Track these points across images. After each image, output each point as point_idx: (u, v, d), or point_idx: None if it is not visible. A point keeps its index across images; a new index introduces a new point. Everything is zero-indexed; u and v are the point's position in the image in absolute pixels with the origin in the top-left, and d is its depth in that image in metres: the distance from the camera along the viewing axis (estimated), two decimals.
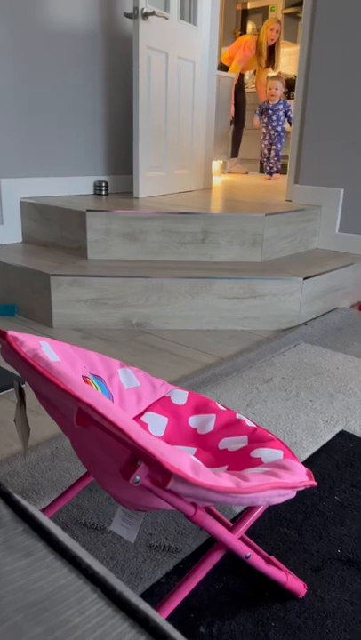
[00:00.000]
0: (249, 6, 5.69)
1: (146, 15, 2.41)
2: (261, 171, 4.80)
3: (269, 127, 4.36)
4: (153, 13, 2.43)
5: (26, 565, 0.33)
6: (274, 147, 4.37)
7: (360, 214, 2.48)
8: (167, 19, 2.59)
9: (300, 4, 5.05)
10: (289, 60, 5.42)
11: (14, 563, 0.33)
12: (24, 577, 0.32)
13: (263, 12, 5.59)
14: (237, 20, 5.82)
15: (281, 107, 4.31)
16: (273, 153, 4.39)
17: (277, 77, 4.34)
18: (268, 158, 4.46)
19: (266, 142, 4.42)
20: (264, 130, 4.40)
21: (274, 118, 4.35)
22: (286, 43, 5.57)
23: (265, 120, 4.36)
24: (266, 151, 4.46)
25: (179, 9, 2.69)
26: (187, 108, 2.94)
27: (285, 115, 4.30)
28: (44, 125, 2.53)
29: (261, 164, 4.68)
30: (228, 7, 5.69)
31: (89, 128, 2.75)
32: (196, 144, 3.11)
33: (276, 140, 4.36)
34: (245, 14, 5.74)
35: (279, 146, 4.38)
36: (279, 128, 4.36)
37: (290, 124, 4.20)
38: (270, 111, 4.33)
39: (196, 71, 2.97)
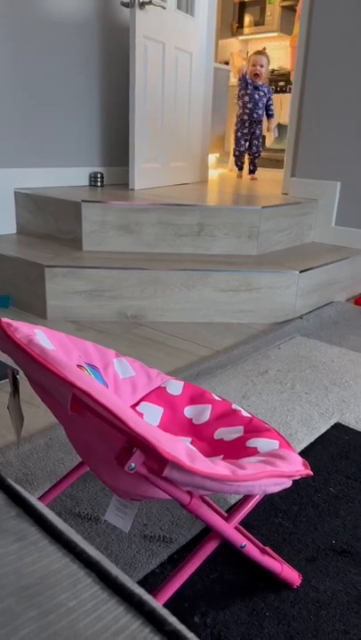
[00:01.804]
0: None
1: (143, 4, 2.38)
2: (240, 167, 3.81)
3: (247, 110, 3.53)
4: (150, 2, 2.41)
5: (19, 549, 0.32)
6: (255, 140, 3.62)
7: (357, 208, 2.48)
8: (164, 8, 2.56)
9: None
10: (286, 54, 5.38)
11: (7, 546, 0.33)
12: (17, 560, 0.32)
13: (261, 4, 5.55)
14: (235, 13, 5.78)
15: (265, 89, 3.53)
16: (254, 148, 3.64)
17: (262, 53, 3.53)
18: (243, 152, 3.67)
19: (245, 130, 3.59)
20: (240, 112, 3.56)
21: (256, 97, 3.51)
22: (284, 35, 5.54)
23: (245, 99, 3.52)
24: (243, 142, 3.62)
25: None
26: (183, 100, 2.92)
27: (266, 104, 3.53)
28: (39, 116, 2.50)
29: (237, 157, 3.72)
30: None
31: (84, 119, 2.72)
32: (193, 136, 3.09)
33: (256, 130, 3.60)
34: (243, 6, 5.70)
35: (259, 137, 3.64)
36: (259, 113, 3.55)
37: (268, 116, 3.55)
38: (254, 90, 3.51)
39: (194, 62, 2.94)
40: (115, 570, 0.33)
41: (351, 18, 2.31)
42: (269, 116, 3.58)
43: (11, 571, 0.31)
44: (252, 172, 3.71)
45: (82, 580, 0.31)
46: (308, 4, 2.44)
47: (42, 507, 0.37)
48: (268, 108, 3.56)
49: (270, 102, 3.56)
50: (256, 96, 3.51)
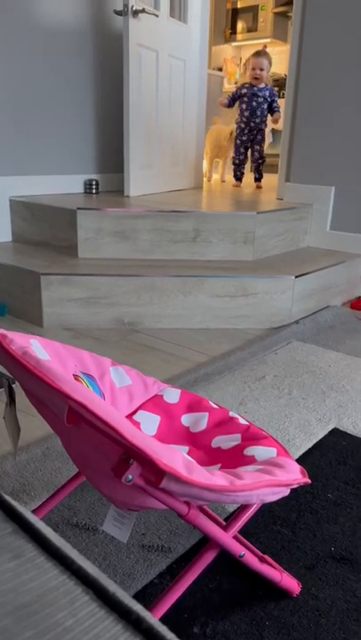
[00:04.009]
0: (239, 5, 5.69)
1: (136, 12, 2.39)
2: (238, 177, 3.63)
3: (244, 117, 3.36)
4: (143, 11, 2.42)
5: (16, 567, 0.32)
6: (257, 146, 3.42)
7: (351, 212, 2.49)
8: (157, 16, 2.58)
9: (290, 3, 5.06)
10: (280, 60, 5.42)
11: (4, 564, 0.32)
12: (14, 578, 0.31)
13: (253, 11, 5.59)
14: (228, 19, 5.82)
15: (267, 93, 3.30)
16: (256, 154, 3.45)
17: (263, 54, 3.28)
18: (243, 160, 3.50)
19: (244, 138, 3.42)
20: (238, 119, 3.41)
21: (254, 104, 3.31)
22: (277, 42, 5.58)
23: (242, 106, 3.35)
24: (242, 149, 3.46)
25: (169, 7, 2.68)
26: (177, 107, 2.93)
27: (270, 105, 3.33)
28: (33, 124, 2.51)
29: (236, 165, 3.56)
30: (218, 6, 5.69)
31: (79, 126, 2.73)
32: (187, 143, 3.10)
33: (257, 136, 3.41)
34: (236, 13, 5.74)
35: (261, 142, 3.42)
36: (257, 122, 3.35)
37: (272, 113, 3.34)
38: (251, 97, 3.29)
39: (187, 69, 2.96)
40: (112, 586, 0.32)
41: (344, 24, 2.32)
42: (274, 112, 3.34)
43: (7, 589, 0.31)
44: (257, 179, 3.50)
45: (79, 598, 0.31)
46: (301, 11, 2.46)
47: (38, 522, 0.37)
48: (273, 109, 3.32)
49: (275, 104, 3.32)
50: (254, 103, 3.30)
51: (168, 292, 1.97)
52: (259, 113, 3.32)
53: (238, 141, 3.44)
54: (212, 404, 0.93)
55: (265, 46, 3.54)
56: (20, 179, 2.50)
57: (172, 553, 0.89)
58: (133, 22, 2.40)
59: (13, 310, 2.06)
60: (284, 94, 2.97)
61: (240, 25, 5.75)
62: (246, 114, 3.34)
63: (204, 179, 3.92)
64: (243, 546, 0.74)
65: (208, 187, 3.48)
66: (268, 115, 3.39)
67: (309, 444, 1.23)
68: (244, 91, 3.32)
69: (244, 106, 3.35)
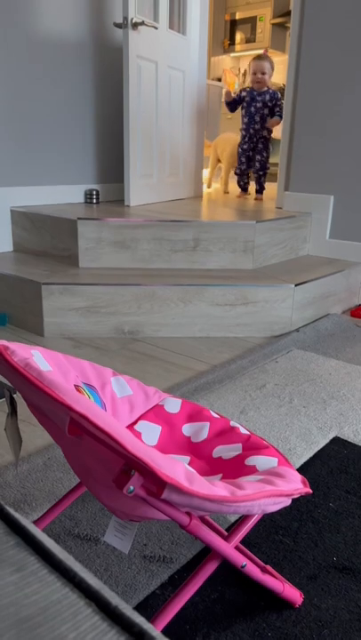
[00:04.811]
0: (237, 16, 5.75)
1: (135, 25, 2.42)
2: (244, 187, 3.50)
3: (243, 124, 3.21)
4: (142, 23, 2.45)
5: (18, 580, 0.32)
6: (258, 155, 3.25)
7: (350, 221, 2.50)
8: (156, 29, 2.61)
9: (288, 15, 5.11)
10: (278, 69, 5.46)
11: (6, 577, 0.33)
12: (17, 592, 0.32)
13: (252, 22, 5.65)
14: (226, 30, 5.88)
15: (267, 97, 3.12)
16: (257, 164, 3.27)
17: (263, 57, 3.13)
18: (245, 170, 3.35)
19: (245, 146, 3.27)
20: (241, 126, 3.27)
21: (252, 110, 3.15)
22: (275, 52, 5.63)
23: (242, 112, 3.21)
24: (243, 159, 3.31)
25: (168, 19, 2.71)
26: (177, 117, 2.95)
27: (271, 110, 3.14)
28: (34, 134, 2.53)
29: (238, 175, 3.43)
30: (216, 17, 5.75)
31: (79, 137, 2.75)
32: (187, 152, 3.12)
33: (258, 144, 3.24)
34: (234, 24, 5.80)
35: (262, 151, 3.24)
36: (256, 128, 3.18)
37: (278, 115, 3.14)
38: (250, 102, 3.15)
39: (186, 80, 2.99)
40: (115, 598, 0.33)
41: (341, 35, 2.35)
42: (273, 116, 3.18)
43: (10, 602, 0.31)
44: (257, 191, 3.34)
45: (82, 611, 0.31)
46: (299, 22, 2.48)
47: (41, 535, 0.37)
48: (275, 113, 3.15)
49: (277, 108, 3.13)
50: (252, 108, 3.15)
51: (168, 300, 1.98)
52: (258, 119, 3.16)
53: (240, 150, 3.30)
54: (213, 414, 0.94)
55: (266, 50, 3.31)
56: (20, 189, 2.51)
57: (174, 563, 0.89)
58: (133, 35, 2.43)
59: (14, 320, 2.07)
60: (282, 104, 2.98)
61: (239, 36, 5.81)
62: (245, 120, 3.22)
63: (204, 185, 3.89)
64: (244, 556, 0.74)
65: (208, 196, 3.49)
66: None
67: (311, 453, 1.23)
68: (243, 94, 3.20)
69: (243, 111, 3.22)
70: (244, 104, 3.21)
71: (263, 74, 3.09)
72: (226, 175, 3.82)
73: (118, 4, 2.75)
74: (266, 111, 3.17)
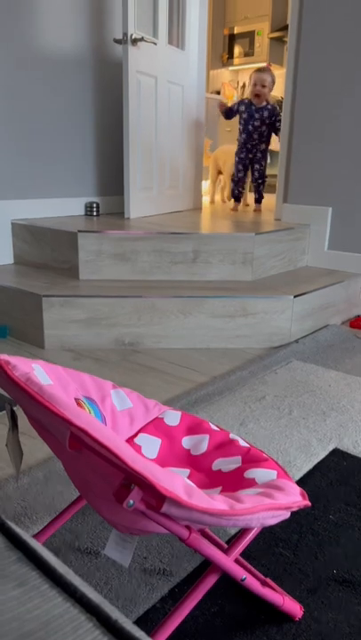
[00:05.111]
0: (236, 31, 5.82)
1: (135, 41, 2.46)
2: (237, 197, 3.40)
3: (241, 139, 3.18)
4: (142, 39, 2.49)
5: (20, 594, 0.33)
6: (256, 164, 3.21)
7: (348, 232, 2.52)
8: (156, 44, 2.64)
9: (285, 29, 5.18)
10: (276, 83, 5.52)
11: (8, 592, 0.33)
12: (19, 606, 0.32)
13: (250, 36, 5.72)
14: (225, 44, 5.96)
15: (265, 114, 3.07)
16: (256, 173, 3.24)
17: (265, 70, 3.08)
18: (242, 178, 3.28)
19: (242, 155, 3.22)
20: (238, 135, 3.23)
21: (250, 128, 3.10)
22: (273, 66, 5.70)
23: (240, 127, 3.18)
24: (241, 167, 3.24)
25: (167, 34, 2.75)
26: (176, 130, 2.99)
27: (272, 125, 3.10)
28: (35, 148, 2.55)
29: (235, 183, 3.35)
30: (215, 32, 5.83)
31: (80, 150, 2.78)
32: (186, 165, 3.15)
33: (257, 153, 3.20)
34: (232, 38, 5.87)
35: (261, 160, 3.21)
36: (253, 144, 3.15)
37: (275, 132, 3.12)
38: (248, 119, 3.09)
39: (185, 94, 3.02)
40: (115, 612, 0.33)
41: (337, 48, 2.38)
42: (277, 132, 3.12)
43: (12, 617, 0.31)
44: (257, 200, 3.30)
45: (83, 625, 0.32)
46: (296, 36, 2.52)
47: (42, 549, 0.38)
48: (274, 128, 3.11)
49: (278, 124, 3.06)
50: (250, 127, 3.11)
51: (168, 312, 1.99)
52: (256, 136, 3.14)
53: (237, 158, 3.25)
54: (213, 426, 0.94)
55: (269, 64, 3.22)
56: (21, 202, 2.54)
57: (174, 576, 0.89)
58: (133, 50, 2.47)
59: (15, 332, 2.08)
60: (281, 116, 3.01)
61: (237, 50, 5.88)
62: (243, 135, 3.17)
63: (206, 197, 3.90)
64: (244, 569, 0.74)
65: (207, 208, 3.52)
66: (273, 134, 3.18)
67: (310, 465, 1.23)
68: (242, 108, 3.13)
69: (241, 127, 3.18)
70: (242, 120, 3.15)
71: (263, 86, 3.04)
72: (227, 186, 3.86)
73: (118, 20, 2.79)
74: (264, 128, 3.13)
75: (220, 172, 3.93)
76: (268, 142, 3.21)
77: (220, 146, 4.04)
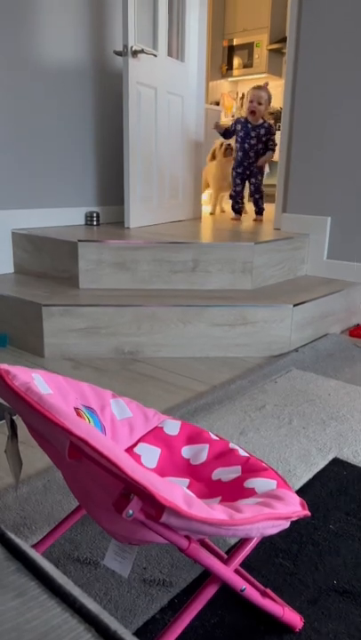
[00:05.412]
0: (235, 42, 5.88)
1: (135, 53, 2.48)
2: (238, 210, 3.42)
3: (239, 155, 3.20)
4: (142, 51, 2.51)
5: (19, 605, 0.33)
6: (253, 178, 3.25)
7: (347, 242, 2.53)
8: (156, 56, 2.67)
9: (284, 41, 5.24)
10: (274, 94, 5.57)
11: (7, 602, 0.33)
12: (17, 617, 0.32)
13: (249, 47, 5.78)
14: (224, 56, 6.01)
15: (262, 131, 3.11)
16: (252, 187, 3.27)
17: (262, 88, 3.12)
18: (240, 191, 3.32)
19: (240, 170, 3.25)
20: (235, 153, 3.27)
21: (246, 147, 3.14)
22: (272, 77, 5.75)
23: (236, 145, 3.22)
24: (239, 181, 3.27)
25: (167, 46, 2.78)
26: (176, 140, 3.01)
27: (265, 143, 3.14)
28: (35, 158, 2.57)
29: (233, 198, 3.38)
30: (214, 43, 5.89)
31: (80, 160, 2.80)
32: (186, 175, 3.17)
33: (254, 170, 3.23)
34: (232, 50, 5.93)
35: (257, 174, 3.25)
36: (250, 162, 3.18)
37: (270, 149, 3.17)
38: (244, 138, 3.13)
39: (185, 104, 3.05)
40: (114, 623, 0.33)
41: (335, 60, 2.41)
42: (267, 150, 3.19)
43: (11, 627, 0.32)
44: (257, 213, 3.32)
45: (82, 636, 0.32)
46: (294, 48, 2.55)
47: (41, 560, 0.38)
48: (268, 146, 3.15)
49: (270, 143, 3.15)
50: (246, 145, 3.14)
51: (168, 321, 1.99)
52: (252, 154, 3.17)
53: (234, 172, 3.28)
54: (213, 436, 0.94)
55: (266, 83, 3.32)
56: (22, 212, 2.55)
57: (174, 587, 0.89)
58: (133, 62, 2.49)
59: (15, 341, 2.08)
60: (279, 127, 3.03)
61: (236, 61, 5.93)
62: (240, 154, 3.19)
63: (207, 207, 3.88)
64: (244, 579, 0.74)
65: (206, 218, 3.53)
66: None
67: (310, 475, 1.23)
68: (238, 127, 3.17)
69: (238, 145, 3.20)
70: (238, 138, 3.18)
71: (260, 104, 3.07)
72: (214, 198, 3.78)
73: (118, 32, 2.83)
74: (260, 146, 3.15)
75: (208, 186, 3.87)
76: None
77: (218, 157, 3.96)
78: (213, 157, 3.49)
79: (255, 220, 3.30)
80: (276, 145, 3.14)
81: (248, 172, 3.26)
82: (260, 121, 3.12)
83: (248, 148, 3.16)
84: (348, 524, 1.06)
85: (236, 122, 3.20)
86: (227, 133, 3.26)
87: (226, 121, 5.89)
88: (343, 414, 1.55)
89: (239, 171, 3.26)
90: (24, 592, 0.34)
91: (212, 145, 3.72)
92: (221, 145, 3.42)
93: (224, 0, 5.88)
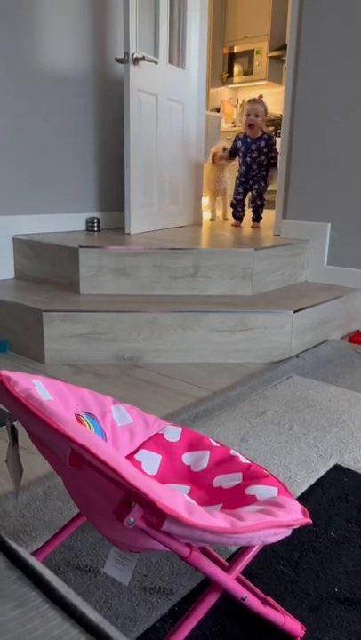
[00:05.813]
0: (235, 50, 5.92)
1: (136, 60, 2.50)
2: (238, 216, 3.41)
3: (242, 169, 3.23)
4: (143, 58, 2.52)
5: (20, 615, 0.33)
6: (256, 185, 3.25)
7: (347, 248, 2.53)
8: (157, 63, 2.69)
9: (284, 48, 5.27)
10: (274, 101, 5.61)
11: (8, 612, 0.33)
12: (18, 627, 0.32)
13: (249, 55, 5.81)
14: (224, 63, 6.05)
15: (262, 144, 3.14)
16: (254, 192, 3.27)
17: (257, 101, 3.16)
18: (241, 200, 3.33)
19: (243, 179, 3.28)
20: (238, 166, 3.30)
21: (248, 160, 3.17)
22: (272, 84, 5.78)
23: (239, 160, 3.26)
24: (241, 189, 3.31)
25: (168, 54, 2.79)
26: (177, 147, 3.02)
27: (266, 155, 3.16)
28: (37, 165, 2.58)
29: (233, 206, 3.39)
30: (215, 51, 5.92)
31: (81, 166, 2.81)
32: (186, 181, 3.18)
33: (257, 180, 3.24)
34: (232, 57, 5.97)
35: (260, 181, 3.25)
36: (252, 174, 3.21)
37: (272, 163, 3.19)
38: (246, 152, 3.17)
39: (186, 111, 3.06)
40: (115, 633, 0.33)
41: (335, 67, 2.42)
42: (271, 165, 3.20)
43: (13, 638, 0.31)
44: (254, 219, 3.33)
45: None
46: (295, 55, 2.56)
47: (42, 568, 0.38)
48: (270, 158, 3.17)
49: (273, 153, 3.16)
50: (248, 159, 3.17)
51: (168, 327, 1.99)
52: (255, 167, 3.20)
53: (237, 182, 3.31)
54: (213, 442, 0.94)
55: (261, 96, 3.36)
56: (23, 217, 2.56)
57: (175, 595, 0.88)
58: (134, 69, 2.51)
59: (15, 347, 2.08)
60: (280, 133, 3.05)
61: (236, 68, 5.97)
62: (243, 168, 3.22)
63: (206, 213, 3.86)
64: (245, 587, 0.73)
65: (206, 224, 3.54)
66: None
67: (311, 481, 1.23)
68: (239, 144, 3.21)
69: (240, 160, 3.25)
70: (240, 153, 3.22)
71: (257, 116, 3.09)
72: (211, 202, 3.77)
73: (120, 39, 2.84)
74: (263, 158, 3.17)
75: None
76: (268, 169, 3.24)
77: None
78: (214, 162, 3.51)
79: (252, 226, 3.31)
80: (278, 154, 3.13)
81: (251, 182, 3.27)
82: (260, 133, 3.15)
83: (250, 162, 3.20)
84: (349, 532, 1.05)
85: (236, 139, 3.25)
86: (232, 154, 3.31)
87: (226, 127, 5.92)
88: (344, 420, 1.54)
89: (243, 180, 3.28)
90: (25, 602, 0.34)
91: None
92: (224, 150, 3.42)
93: (225, 7, 5.92)
